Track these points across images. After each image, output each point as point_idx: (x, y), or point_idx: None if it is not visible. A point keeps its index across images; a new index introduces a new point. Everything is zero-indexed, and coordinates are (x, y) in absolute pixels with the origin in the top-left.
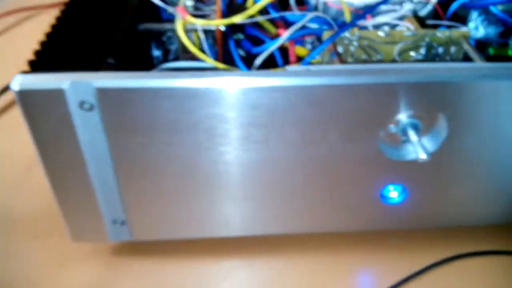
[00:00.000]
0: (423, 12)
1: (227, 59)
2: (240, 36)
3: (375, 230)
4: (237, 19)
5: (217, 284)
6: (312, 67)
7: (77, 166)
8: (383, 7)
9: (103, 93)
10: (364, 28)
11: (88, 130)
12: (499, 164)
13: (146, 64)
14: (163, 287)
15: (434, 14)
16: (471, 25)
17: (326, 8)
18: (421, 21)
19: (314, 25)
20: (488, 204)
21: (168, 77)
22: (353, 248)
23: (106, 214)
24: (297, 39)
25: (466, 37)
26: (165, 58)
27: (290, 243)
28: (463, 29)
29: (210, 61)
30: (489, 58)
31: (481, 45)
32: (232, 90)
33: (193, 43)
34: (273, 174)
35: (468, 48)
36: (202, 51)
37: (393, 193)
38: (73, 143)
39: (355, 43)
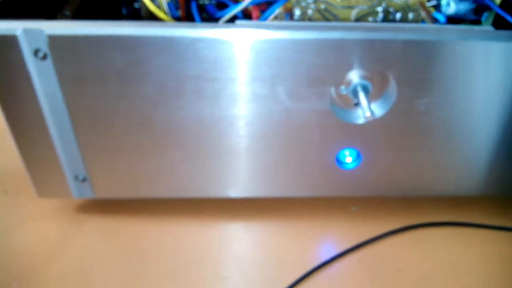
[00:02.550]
0: None
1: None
2: (205, 0)
3: (334, 196)
4: None
5: (176, 244)
6: (262, 22)
7: (37, 118)
8: None
9: (54, 41)
10: None
11: (44, 80)
12: (452, 130)
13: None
14: (124, 243)
15: None
16: (443, 1)
17: None
18: None
19: None
20: (443, 173)
21: (115, 25)
22: (315, 214)
23: (67, 170)
24: (261, 7)
25: (423, 3)
26: (134, 18)
27: (248, 207)
28: None
29: (169, 20)
30: None
31: (453, 21)
32: (179, 41)
33: (158, 5)
34: (226, 132)
35: (424, 14)
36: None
37: (348, 158)
38: (31, 94)
39: (312, 6)
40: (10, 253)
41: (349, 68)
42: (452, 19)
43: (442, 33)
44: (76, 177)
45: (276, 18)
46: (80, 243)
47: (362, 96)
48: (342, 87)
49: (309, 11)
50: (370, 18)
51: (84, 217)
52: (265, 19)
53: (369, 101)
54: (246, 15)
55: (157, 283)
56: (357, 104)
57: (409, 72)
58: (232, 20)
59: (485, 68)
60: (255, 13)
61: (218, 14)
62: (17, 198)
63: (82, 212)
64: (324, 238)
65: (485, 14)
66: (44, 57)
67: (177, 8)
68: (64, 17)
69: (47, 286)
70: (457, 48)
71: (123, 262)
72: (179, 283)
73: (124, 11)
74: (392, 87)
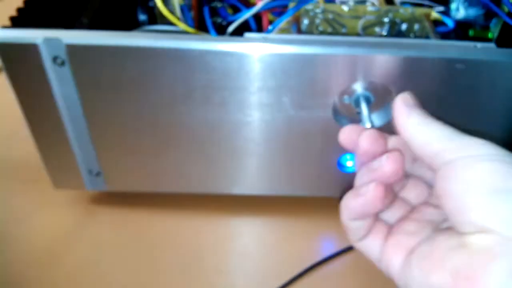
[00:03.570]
0: None
1: (202, 25)
2: (218, 4)
3: (333, 196)
4: None
5: (181, 237)
6: (269, 35)
7: (54, 118)
8: None
9: (72, 49)
10: (330, 1)
11: (62, 84)
12: None
13: (131, 27)
14: (134, 235)
15: None
16: (453, 5)
17: None
18: None
19: None
20: None
21: (129, 36)
22: (314, 213)
23: (82, 165)
24: (273, 10)
25: (428, 16)
26: (152, 23)
27: (250, 205)
28: (436, 8)
29: (181, 26)
30: (470, 39)
31: (463, 26)
32: (189, 53)
33: (172, 10)
34: (232, 135)
35: (427, 26)
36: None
37: (350, 162)
38: (49, 96)
39: (320, 16)
40: (25, 241)
41: (352, 80)
42: (461, 24)
43: (443, 50)
44: (90, 171)
45: (282, 29)
46: (93, 232)
47: (363, 107)
48: (345, 96)
49: (317, 21)
50: (376, 29)
51: (97, 208)
52: (274, 28)
53: (370, 111)
54: (257, 18)
55: (161, 274)
56: (359, 113)
57: (410, 86)
58: (242, 28)
59: (486, 85)
60: (265, 18)
61: (230, 18)
62: (35, 187)
63: (96, 204)
64: (323, 236)
65: (494, 20)
66: (62, 63)
67: (190, 10)
68: (81, 25)
69: (61, 273)
70: (457, 65)
71: (132, 253)
72: (182, 275)
73: (141, 17)
74: (393, 99)
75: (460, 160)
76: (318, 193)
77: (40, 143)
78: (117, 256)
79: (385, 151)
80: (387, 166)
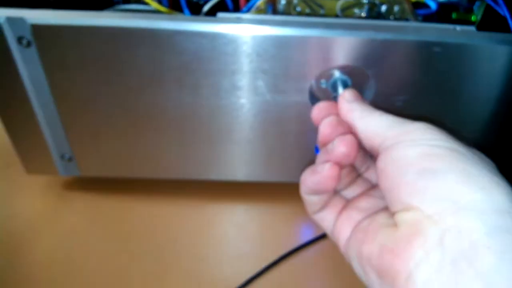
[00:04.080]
0: None
1: (177, 4)
2: None
3: None
4: None
5: (157, 223)
6: (243, 16)
7: (22, 102)
8: None
9: (38, 30)
10: None
11: (28, 66)
12: None
13: (105, 5)
14: (108, 221)
15: None
16: None
17: None
18: None
19: None
20: None
21: (95, 16)
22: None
23: (54, 150)
24: None
25: None
26: (126, 2)
27: (231, 191)
28: None
29: (154, 5)
30: (452, 22)
31: (447, 9)
32: (159, 33)
33: None
34: (209, 120)
35: (406, 7)
36: None
37: None
38: (16, 79)
39: None
40: None
41: (329, 63)
42: (445, 6)
43: (421, 33)
44: (62, 156)
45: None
46: (66, 218)
47: (341, 91)
48: (322, 80)
49: (295, 1)
50: (356, 10)
51: (70, 194)
52: (249, 9)
53: None
54: None
55: (136, 261)
56: (336, 97)
57: (387, 69)
58: (219, 6)
59: (466, 69)
60: None
61: None
62: (7, 173)
63: (69, 189)
64: (302, 223)
65: (477, 3)
66: (28, 44)
67: None
68: (48, 4)
69: (33, 259)
70: (435, 48)
71: (106, 240)
72: (157, 262)
73: None
74: (371, 83)
75: (396, 144)
76: (297, 179)
77: (9, 127)
78: (90, 243)
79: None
80: (338, 148)
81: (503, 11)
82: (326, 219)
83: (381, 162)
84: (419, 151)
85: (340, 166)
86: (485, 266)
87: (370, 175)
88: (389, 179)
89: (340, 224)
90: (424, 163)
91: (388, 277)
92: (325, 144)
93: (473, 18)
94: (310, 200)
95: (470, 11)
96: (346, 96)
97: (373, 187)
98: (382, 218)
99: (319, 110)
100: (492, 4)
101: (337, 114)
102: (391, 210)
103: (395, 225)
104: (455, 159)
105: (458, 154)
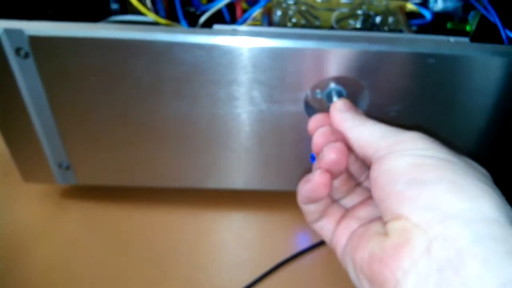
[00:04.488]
0: None
1: (174, 15)
2: None
3: None
4: None
5: (156, 232)
6: (239, 28)
7: (20, 111)
8: None
9: (36, 41)
10: None
11: (26, 77)
12: None
13: (102, 16)
14: (106, 230)
15: None
16: None
17: None
18: None
19: None
20: None
21: (93, 28)
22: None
23: (51, 158)
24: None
25: (403, 8)
26: (124, 12)
27: (229, 199)
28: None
29: (151, 16)
30: (447, 32)
31: (442, 18)
32: (157, 45)
33: None
34: (206, 129)
35: (400, 18)
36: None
37: None
38: (14, 89)
39: (292, 7)
40: None
41: (324, 74)
42: (440, 16)
43: (415, 45)
44: (59, 165)
45: (256, 20)
46: (64, 227)
47: (336, 100)
48: (317, 91)
49: (290, 12)
50: (350, 21)
51: (68, 202)
52: (245, 20)
53: None
54: (231, 8)
55: (135, 269)
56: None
57: (382, 80)
58: (216, 18)
59: (460, 80)
60: (239, 8)
61: (203, 7)
62: (5, 181)
63: (66, 198)
64: (299, 230)
65: (472, 13)
66: (26, 55)
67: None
68: (46, 16)
69: (31, 267)
70: (428, 59)
71: (104, 248)
72: (156, 270)
73: (113, 6)
74: (365, 93)
75: (388, 154)
76: (294, 187)
77: (7, 136)
78: (88, 251)
79: None
80: (327, 155)
81: (494, 18)
82: (326, 228)
83: (374, 172)
84: (410, 161)
85: (331, 173)
86: (470, 274)
87: (369, 184)
88: (381, 189)
89: (339, 233)
90: (415, 173)
91: (377, 284)
92: (319, 154)
93: (467, 28)
94: (308, 209)
95: (465, 21)
96: (337, 106)
97: (370, 197)
98: (376, 226)
99: (315, 121)
100: (483, 10)
101: (332, 125)
102: (383, 220)
103: (386, 234)
104: (446, 169)
105: (449, 164)
